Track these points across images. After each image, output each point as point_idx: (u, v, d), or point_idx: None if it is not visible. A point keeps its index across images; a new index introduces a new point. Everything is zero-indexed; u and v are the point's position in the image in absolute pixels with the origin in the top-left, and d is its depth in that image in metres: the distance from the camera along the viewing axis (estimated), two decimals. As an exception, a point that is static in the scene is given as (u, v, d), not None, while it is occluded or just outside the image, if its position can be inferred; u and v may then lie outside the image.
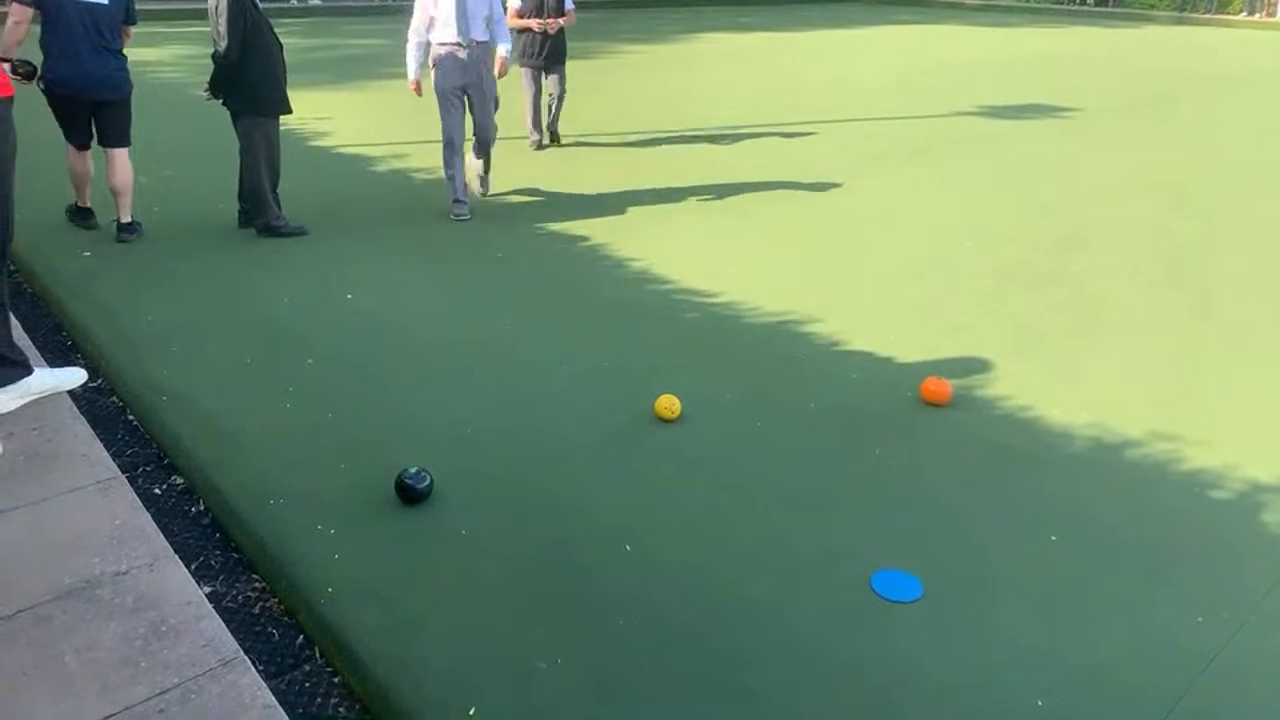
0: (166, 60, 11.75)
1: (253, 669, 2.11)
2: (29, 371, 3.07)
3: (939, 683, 2.24)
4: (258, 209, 5.30)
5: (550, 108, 7.60)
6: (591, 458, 3.17)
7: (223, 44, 4.86)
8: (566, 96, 7.64)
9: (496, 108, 5.96)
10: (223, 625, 2.14)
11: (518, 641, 2.34)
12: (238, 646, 2.08)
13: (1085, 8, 24.46)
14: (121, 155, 5.10)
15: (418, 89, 5.63)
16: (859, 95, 10.51)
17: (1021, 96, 10.66)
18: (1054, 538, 2.79)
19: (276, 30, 5.21)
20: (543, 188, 6.47)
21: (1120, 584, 2.60)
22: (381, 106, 9.09)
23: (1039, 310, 4.48)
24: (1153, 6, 23.64)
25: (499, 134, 6.18)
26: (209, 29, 5.00)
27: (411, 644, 2.32)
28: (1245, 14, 22.49)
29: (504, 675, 2.24)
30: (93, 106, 4.96)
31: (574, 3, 7.47)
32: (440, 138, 5.67)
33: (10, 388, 3.03)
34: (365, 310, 4.33)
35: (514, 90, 7.33)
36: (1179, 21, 22.31)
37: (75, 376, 3.45)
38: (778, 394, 3.62)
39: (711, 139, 8.12)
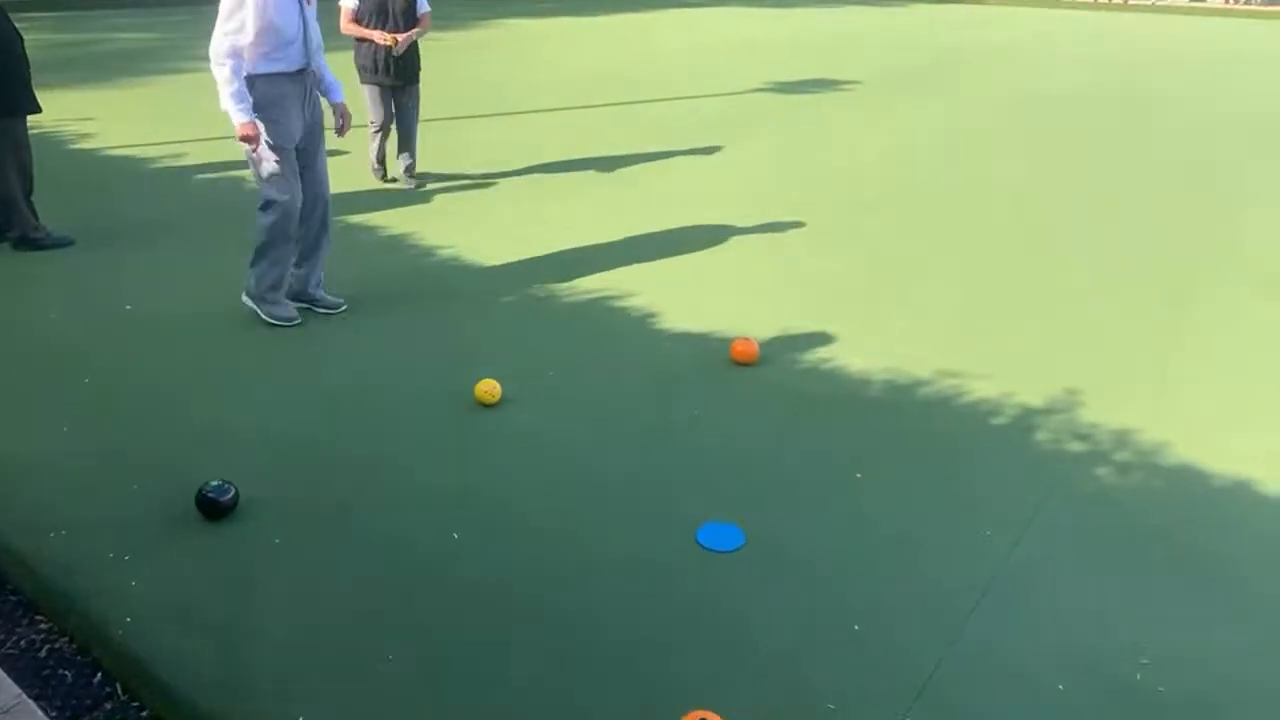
0: None
1: (39, 712, 1.91)
2: None
3: (764, 624, 2.35)
4: (9, 220, 4.75)
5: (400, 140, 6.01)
6: (414, 449, 3.08)
7: None
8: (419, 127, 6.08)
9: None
10: (-3, 670, 1.92)
11: (351, 645, 2.25)
12: (19, 691, 1.87)
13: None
14: None
15: (254, 135, 3.63)
16: (661, 75, 10.73)
17: (809, 74, 11.23)
18: (859, 475, 2.98)
19: (15, 22, 4.67)
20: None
21: (916, 512, 2.81)
22: (152, 105, 8.38)
23: (839, 271, 4.75)
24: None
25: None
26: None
27: (234, 667, 2.17)
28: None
29: (338, 680, 2.14)
30: None
31: (428, 3, 5.94)
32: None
33: None
34: (147, 320, 3.99)
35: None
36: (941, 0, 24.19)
37: None
38: (597, 367, 3.65)
39: (518, 125, 8.05)
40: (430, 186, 6.12)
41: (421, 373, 3.59)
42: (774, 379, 3.59)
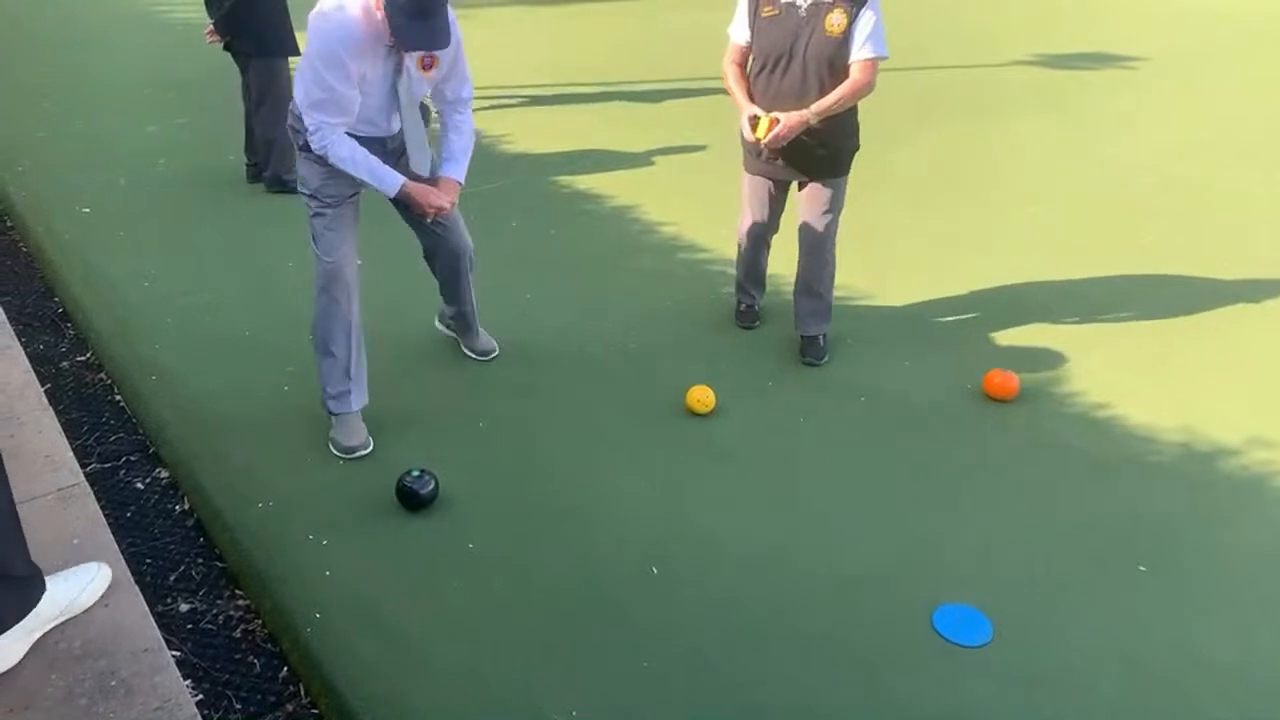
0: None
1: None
2: (38, 594, 1.90)
3: (1013, 750, 1.93)
4: (268, 160, 4.95)
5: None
6: (615, 458, 2.85)
7: None
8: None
9: None
10: (180, 682, 1.87)
11: (528, 684, 2.06)
12: (195, 712, 1.80)
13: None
14: None
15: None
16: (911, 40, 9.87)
17: (1078, 45, 9.97)
18: (1142, 568, 2.44)
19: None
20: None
21: (1213, 625, 2.26)
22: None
23: (1113, 291, 4.05)
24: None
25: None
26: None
27: (407, 684, 2.04)
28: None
29: (508, 724, 1.96)
30: None
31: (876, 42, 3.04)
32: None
33: (18, 628, 1.87)
34: (388, 277, 3.98)
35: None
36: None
37: (94, 578, 2.07)
38: (806, 382, 3.26)
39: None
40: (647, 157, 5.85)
41: (640, 387, 3.35)
42: (1034, 425, 3.05)
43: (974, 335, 3.60)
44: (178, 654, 2.06)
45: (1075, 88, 7.62)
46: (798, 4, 2.94)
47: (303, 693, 2.08)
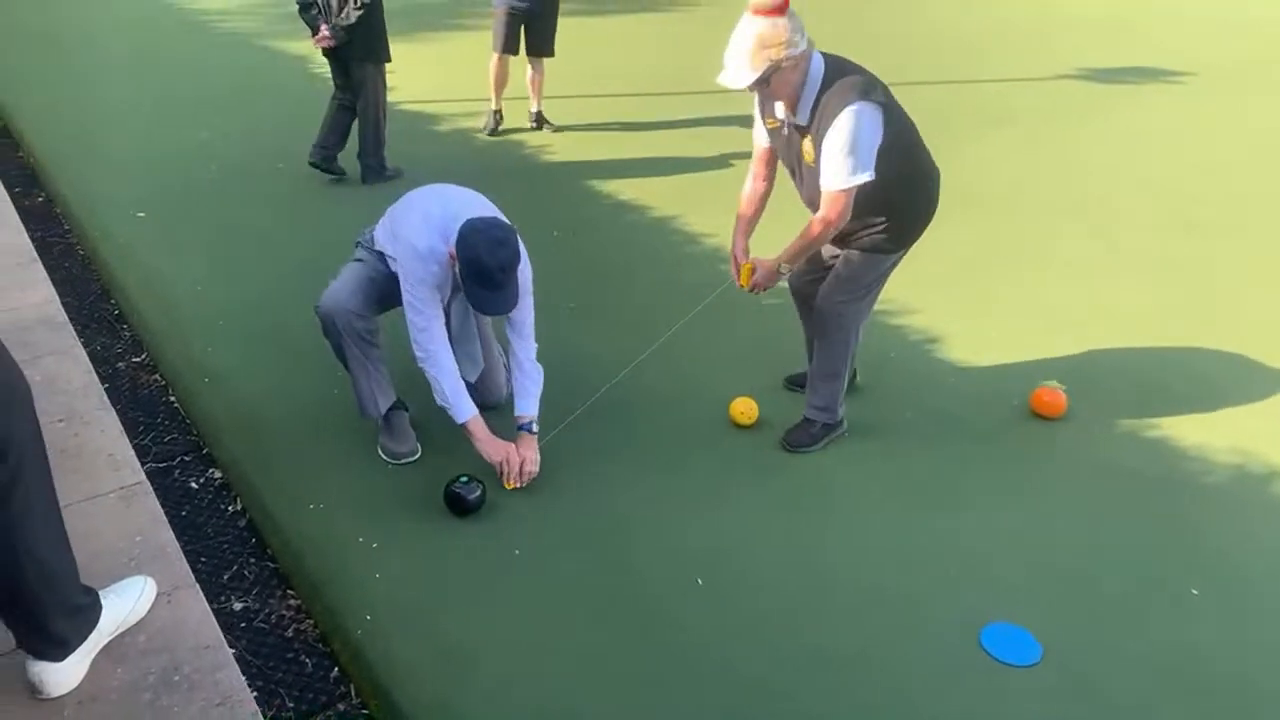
0: (233, 10, 11.58)
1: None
2: (97, 614, 1.95)
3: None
4: (363, 150, 5.34)
5: None
6: (659, 468, 2.86)
7: None
8: None
9: None
10: (241, 678, 1.91)
11: (573, 694, 2.07)
12: (256, 709, 1.84)
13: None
14: None
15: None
16: (941, 54, 9.83)
17: (1129, 59, 9.86)
18: (1195, 591, 2.41)
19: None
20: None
21: (1269, 654, 2.22)
22: (446, 61, 8.77)
23: (1163, 307, 3.99)
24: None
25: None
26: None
27: (455, 689, 2.07)
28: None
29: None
30: None
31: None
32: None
33: (80, 650, 1.91)
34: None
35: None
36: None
37: (142, 592, 2.13)
38: (851, 396, 3.25)
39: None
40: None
41: (683, 398, 3.36)
42: (1082, 443, 3.02)
43: (1020, 351, 3.57)
44: (234, 651, 2.10)
45: (1125, 101, 7.54)
46: (783, 126, 2.62)
47: (353, 693, 2.11)
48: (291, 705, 2.06)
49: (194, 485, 2.79)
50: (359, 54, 5.15)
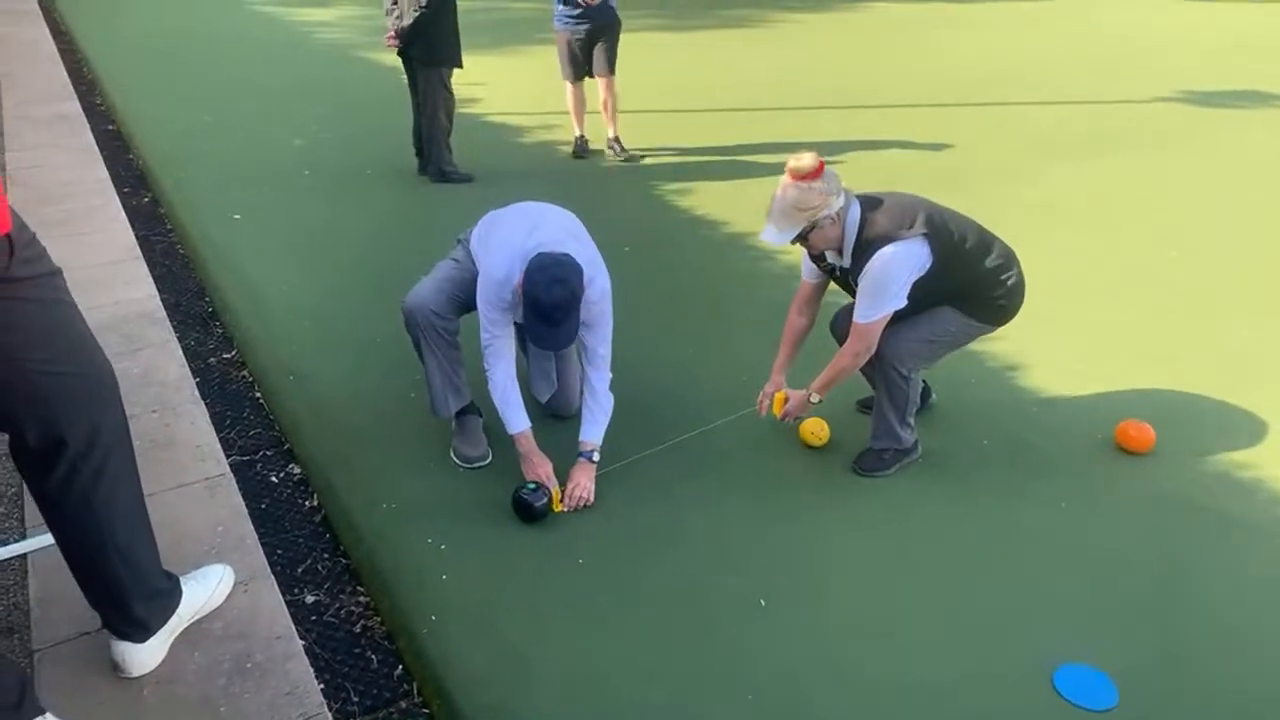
0: (333, 21, 12.02)
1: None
2: (177, 599, 2.05)
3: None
4: (431, 154, 5.49)
5: None
6: (727, 485, 2.85)
7: None
8: None
9: None
10: (309, 670, 1.96)
11: (632, 708, 2.07)
12: (322, 700, 1.89)
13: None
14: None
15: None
16: (1031, 74, 9.58)
17: (1226, 82, 9.45)
18: (1288, 644, 2.28)
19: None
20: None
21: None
22: (534, 74, 8.94)
23: (1262, 341, 3.81)
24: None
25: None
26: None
27: (514, 695, 2.09)
28: None
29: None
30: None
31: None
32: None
33: (161, 633, 2.00)
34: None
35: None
36: None
37: (220, 580, 2.23)
38: (927, 422, 3.18)
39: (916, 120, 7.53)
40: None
41: (754, 416, 3.34)
42: (1170, 480, 2.90)
43: (1106, 382, 3.44)
44: (304, 643, 2.16)
45: (1231, 126, 7.23)
46: (835, 269, 2.79)
47: (415, 692, 2.15)
48: (356, 700, 2.11)
49: (274, 479, 2.88)
50: (420, 57, 5.25)
